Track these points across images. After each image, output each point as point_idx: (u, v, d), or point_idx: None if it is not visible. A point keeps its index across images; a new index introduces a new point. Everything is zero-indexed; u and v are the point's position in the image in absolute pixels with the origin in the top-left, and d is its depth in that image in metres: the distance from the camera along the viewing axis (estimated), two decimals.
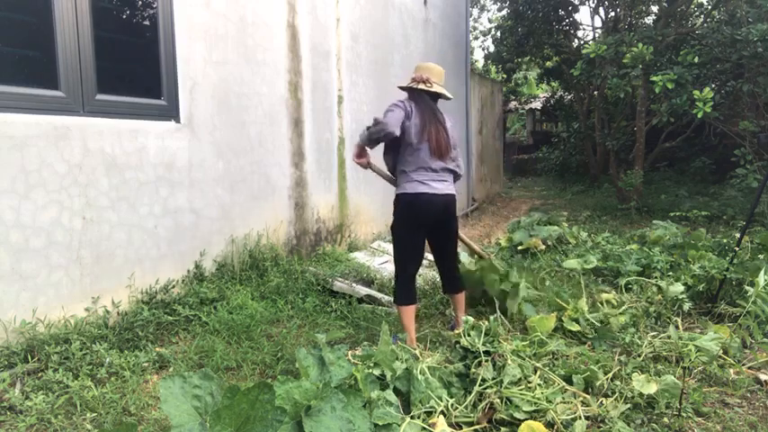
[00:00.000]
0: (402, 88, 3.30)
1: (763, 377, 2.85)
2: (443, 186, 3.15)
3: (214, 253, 4.05)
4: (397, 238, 3.20)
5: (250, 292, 3.92)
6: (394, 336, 3.23)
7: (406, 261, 3.18)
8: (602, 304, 3.81)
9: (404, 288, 3.17)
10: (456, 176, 3.32)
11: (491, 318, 2.97)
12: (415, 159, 3.11)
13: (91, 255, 3.19)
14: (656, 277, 4.38)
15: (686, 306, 3.77)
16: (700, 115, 6.91)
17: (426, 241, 3.30)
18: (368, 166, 3.34)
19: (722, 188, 9.50)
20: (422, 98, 3.17)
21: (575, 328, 3.33)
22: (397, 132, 3.01)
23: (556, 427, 2.25)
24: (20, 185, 2.84)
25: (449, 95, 3.26)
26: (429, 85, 3.15)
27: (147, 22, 3.60)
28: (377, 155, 3.38)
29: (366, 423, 2.05)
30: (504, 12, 14.64)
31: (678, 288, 3.89)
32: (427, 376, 2.53)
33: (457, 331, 3.23)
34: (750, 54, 6.94)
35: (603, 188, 12.15)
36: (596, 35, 12.02)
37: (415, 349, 2.97)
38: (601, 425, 2.32)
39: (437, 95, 3.23)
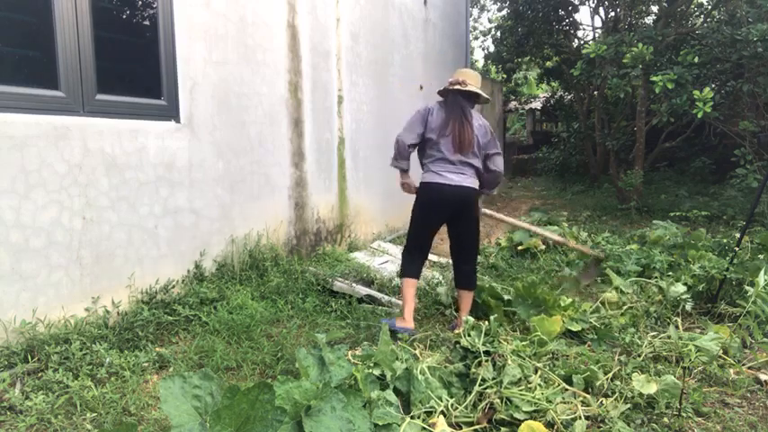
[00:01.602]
0: (439, 92, 3.53)
1: (763, 377, 2.85)
2: (460, 178, 3.31)
3: (214, 253, 4.05)
4: (411, 221, 3.50)
5: (250, 292, 3.91)
6: (391, 321, 3.33)
7: (412, 240, 3.50)
8: (603, 305, 3.81)
9: (406, 260, 3.48)
10: (490, 172, 3.49)
11: (491, 318, 2.98)
12: (435, 152, 3.35)
13: (91, 255, 3.19)
14: (656, 277, 4.38)
15: (688, 306, 3.77)
16: (700, 115, 6.90)
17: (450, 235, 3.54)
18: (414, 190, 3.58)
19: (722, 188, 9.49)
20: (454, 98, 3.40)
21: (575, 328, 3.33)
22: (410, 139, 3.36)
23: (556, 427, 2.25)
24: (20, 185, 2.84)
25: (485, 95, 3.50)
26: (464, 85, 3.38)
27: (147, 22, 3.60)
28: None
29: (366, 423, 2.05)
30: (504, 12, 14.63)
31: (680, 289, 3.89)
32: (427, 376, 2.53)
33: (457, 331, 3.23)
34: (750, 54, 6.94)
35: (603, 188, 12.14)
36: (596, 35, 12.02)
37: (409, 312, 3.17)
38: (601, 425, 2.32)
39: (473, 97, 3.45)
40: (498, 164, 3.49)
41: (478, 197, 3.49)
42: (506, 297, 3.65)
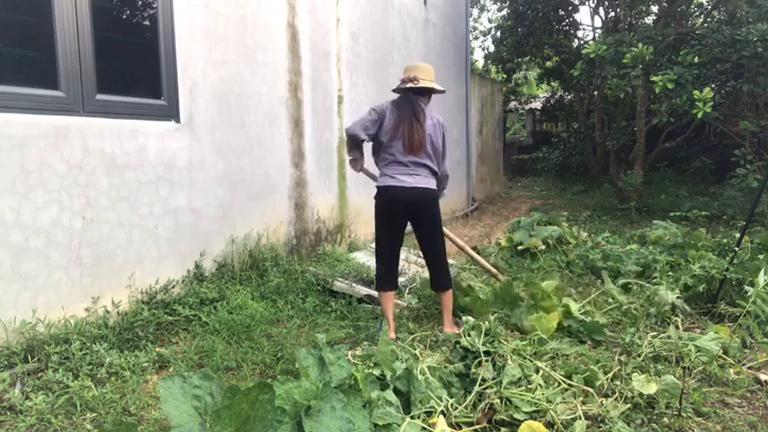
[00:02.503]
0: (394, 91, 3.44)
1: (763, 377, 2.85)
2: (413, 180, 3.25)
3: (214, 253, 4.05)
4: (375, 230, 3.43)
5: (250, 292, 3.91)
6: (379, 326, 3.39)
7: (379, 250, 3.42)
8: (595, 304, 3.81)
9: (379, 274, 3.41)
10: (438, 177, 3.41)
11: (491, 318, 2.97)
12: (387, 155, 3.31)
13: (91, 255, 3.19)
14: (655, 278, 4.37)
15: (681, 314, 3.71)
16: (700, 115, 6.90)
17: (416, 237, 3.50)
18: (360, 169, 3.64)
19: (722, 188, 9.49)
20: (407, 97, 3.31)
21: (569, 323, 3.34)
22: (362, 136, 3.31)
23: (556, 427, 2.25)
24: (20, 185, 2.84)
25: (439, 88, 3.38)
26: (416, 82, 3.28)
27: (147, 23, 3.60)
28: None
29: (366, 423, 2.05)
30: (504, 12, 14.66)
31: (671, 296, 3.83)
32: (427, 376, 2.53)
33: (457, 331, 3.23)
34: (750, 54, 6.94)
35: (603, 188, 12.15)
36: (596, 35, 12.02)
37: (391, 326, 3.14)
38: (601, 425, 2.32)
39: (428, 92, 3.37)
40: (444, 167, 3.45)
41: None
42: (481, 296, 3.70)
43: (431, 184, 3.32)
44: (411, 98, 3.30)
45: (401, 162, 3.26)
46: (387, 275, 3.39)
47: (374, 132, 3.32)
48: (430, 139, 3.29)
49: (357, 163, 3.58)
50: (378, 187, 3.37)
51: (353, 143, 3.45)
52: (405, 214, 3.33)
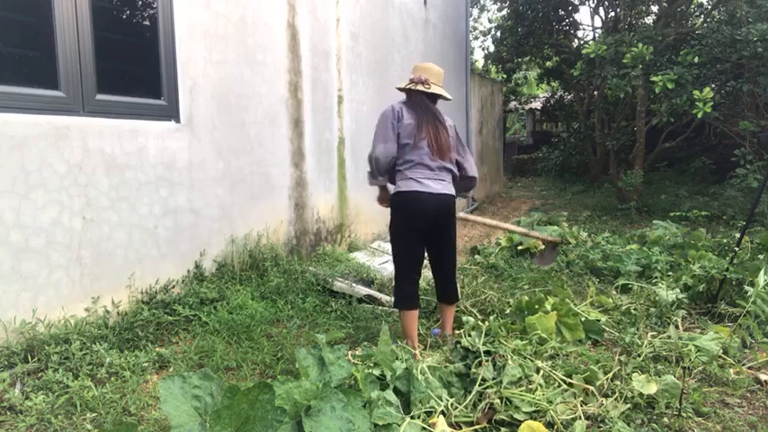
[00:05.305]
0: (400, 89, 3.24)
1: (763, 377, 2.85)
2: (440, 186, 3.02)
3: (214, 253, 4.05)
4: (394, 240, 3.12)
5: (250, 292, 3.91)
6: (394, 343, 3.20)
7: (402, 263, 3.10)
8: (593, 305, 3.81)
9: (400, 290, 3.07)
10: (466, 179, 3.27)
11: (491, 318, 2.97)
12: (412, 157, 3.02)
13: (91, 255, 3.18)
14: (655, 278, 4.37)
15: (680, 314, 3.71)
16: (700, 115, 6.91)
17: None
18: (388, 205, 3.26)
19: (722, 188, 9.49)
20: (420, 98, 3.11)
21: (580, 335, 3.31)
22: (394, 151, 3.02)
23: (556, 427, 2.25)
24: (20, 185, 2.84)
25: (448, 96, 3.20)
26: (427, 86, 3.08)
27: (147, 22, 3.60)
28: None
29: (366, 423, 2.05)
30: (504, 12, 14.66)
31: (671, 296, 3.84)
32: (427, 376, 2.53)
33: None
34: (750, 54, 6.94)
35: (603, 188, 12.16)
36: (596, 35, 12.02)
37: (416, 349, 2.96)
38: (601, 425, 2.32)
39: (436, 96, 3.16)
40: (473, 168, 3.26)
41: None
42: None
43: (453, 190, 3.11)
44: (425, 101, 3.09)
45: (428, 166, 3.01)
46: (411, 292, 3.05)
47: (396, 136, 3.02)
48: (454, 143, 3.13)
49: (387, 193, 3.21)
50: (400, 192, 3.03)
51: (381, 167, 3.06)
52: (430, 222, 3.04)
